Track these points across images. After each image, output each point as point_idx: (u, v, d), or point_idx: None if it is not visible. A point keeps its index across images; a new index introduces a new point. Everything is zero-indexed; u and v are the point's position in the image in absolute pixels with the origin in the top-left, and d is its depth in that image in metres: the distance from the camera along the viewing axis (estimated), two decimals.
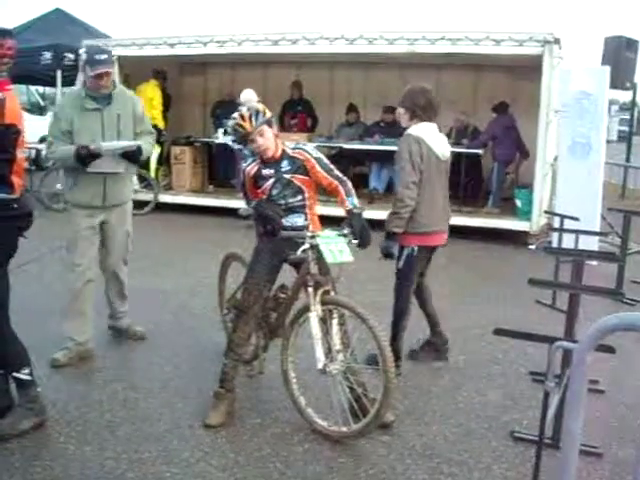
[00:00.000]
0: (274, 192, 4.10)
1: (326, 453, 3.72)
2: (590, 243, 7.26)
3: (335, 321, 3.84)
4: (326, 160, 4.17)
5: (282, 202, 4.10)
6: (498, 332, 3.67)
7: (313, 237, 3.84)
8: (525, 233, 9.39)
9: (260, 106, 4.06)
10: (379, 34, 9.78)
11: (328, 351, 3.81)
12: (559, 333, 3.75)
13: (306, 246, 3.85)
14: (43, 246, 8.17)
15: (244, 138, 4.03)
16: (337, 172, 4.13)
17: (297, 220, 4.14)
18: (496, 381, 4.75)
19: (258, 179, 4.13)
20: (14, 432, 3.73)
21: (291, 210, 4.12)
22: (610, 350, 3.25)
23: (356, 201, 4.05)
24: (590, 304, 4.96)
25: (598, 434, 3.85)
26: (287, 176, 4.07)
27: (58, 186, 11.12)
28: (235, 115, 4.03)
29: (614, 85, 8.92)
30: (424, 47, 9.46)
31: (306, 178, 4.10)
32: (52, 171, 11.93)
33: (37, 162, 14.91)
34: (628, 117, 19.42)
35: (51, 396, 4.18)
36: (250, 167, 4.16)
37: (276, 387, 4.38)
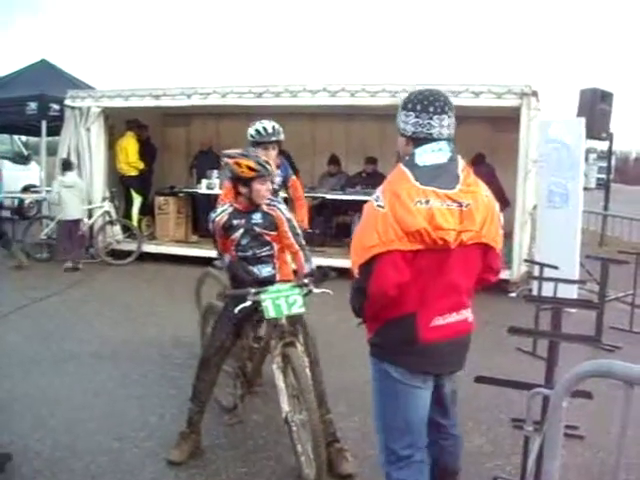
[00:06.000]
0: (243, 242, 4.19)
1: None
2: (569, 290, 7.37)
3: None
4: (295, 223, 4.27)
5: (250, 253, 4.20)
6: (479, 380, 3.74)
7: (257, 293, 3.82)
8: (506, 281, 9.45)
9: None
10: (361, 87, 9.98)
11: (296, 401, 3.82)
12: (540, 380, 3.81)
13: (248, 304, 3.83)
14: (25, 297, 8.18)
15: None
16: (302, 239, 4.24)
17: (264, 269, 4.23)
18: (479, 428, 4.78)
19: (228, 229, 4.20)
20: None
21: (259, 260, 4.22)
22: (588, 396, 3.31)
23: (313, 265, 4.21)
24: (571, 350, 5.02)
25: (578, 479, 3.90)
26: (257, 229, 4.16)
27: (42, 235, 11.15)
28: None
29: (590, 135, 9.12)
30: None
31: (276, 234, 4.20)
32: (35, 221, 11.94)
33: (20, 211, 14.91)
34: (606, 165, 19.73)
35: (36, 447, 4.17)
36: (219, 217, 4.21)
37: (262, 436, 4.39)
